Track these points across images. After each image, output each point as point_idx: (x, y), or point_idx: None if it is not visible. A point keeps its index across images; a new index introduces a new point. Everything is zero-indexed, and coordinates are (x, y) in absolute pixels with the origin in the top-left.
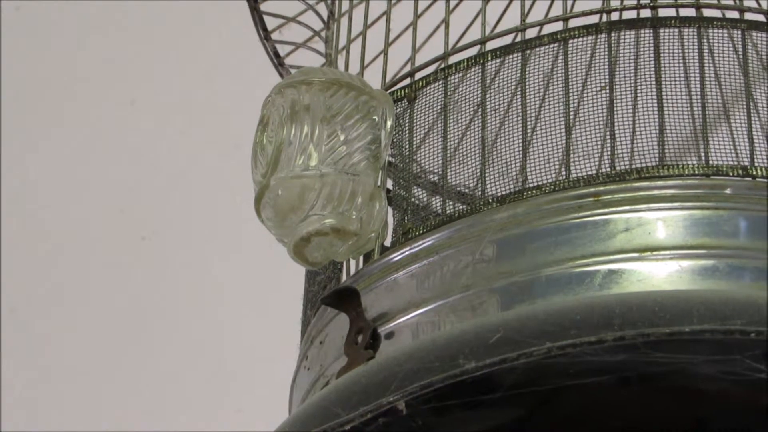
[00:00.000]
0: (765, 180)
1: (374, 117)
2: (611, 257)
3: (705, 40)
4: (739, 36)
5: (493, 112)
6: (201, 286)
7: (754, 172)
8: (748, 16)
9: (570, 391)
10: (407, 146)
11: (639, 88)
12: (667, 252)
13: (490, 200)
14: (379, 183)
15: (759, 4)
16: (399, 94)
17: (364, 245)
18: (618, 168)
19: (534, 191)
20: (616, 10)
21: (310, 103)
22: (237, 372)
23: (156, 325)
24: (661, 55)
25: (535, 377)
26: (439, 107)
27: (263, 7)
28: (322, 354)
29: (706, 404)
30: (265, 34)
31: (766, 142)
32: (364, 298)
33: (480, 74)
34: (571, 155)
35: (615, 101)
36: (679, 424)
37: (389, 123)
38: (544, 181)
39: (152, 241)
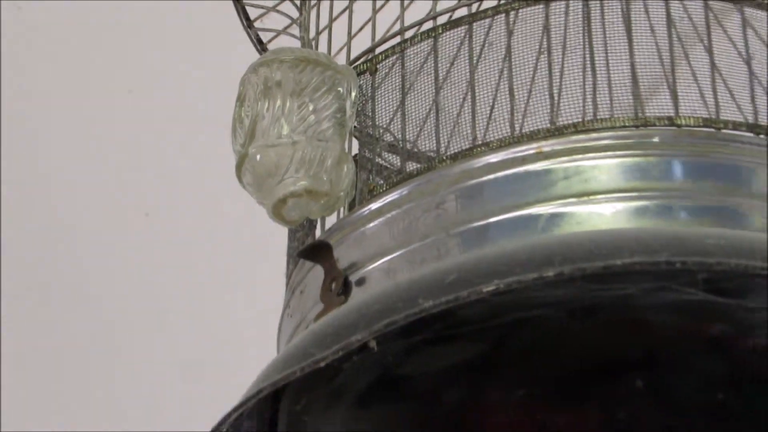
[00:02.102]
0: (690, 128)
1: (339, 89)
2: (553, 203)
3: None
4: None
5: (445, 80)
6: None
7: (679, 122)
8: None
9: (524, 328)
10: (370, 114)
11: (572, 52)
12: (603, 196)
13: (445, 158)
14: (345, 148)
15: None
16: (361, 68)
17: (334, 204)
18: (557, 123)
19: (483, 148)
20: None
21: (281, 79)
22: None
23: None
24: (592, 21)
25: (489, 313)
26: (397, 78)
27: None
28: (302, 302)
29: (652, 335)
30: (248, 23)
31: (691, 94)
32: (336, 251)
33: (433, 46)
34: (516, 115)
35: (554, 65)
36: (629, 355)
37: (353, 94)
38: (492, 139)
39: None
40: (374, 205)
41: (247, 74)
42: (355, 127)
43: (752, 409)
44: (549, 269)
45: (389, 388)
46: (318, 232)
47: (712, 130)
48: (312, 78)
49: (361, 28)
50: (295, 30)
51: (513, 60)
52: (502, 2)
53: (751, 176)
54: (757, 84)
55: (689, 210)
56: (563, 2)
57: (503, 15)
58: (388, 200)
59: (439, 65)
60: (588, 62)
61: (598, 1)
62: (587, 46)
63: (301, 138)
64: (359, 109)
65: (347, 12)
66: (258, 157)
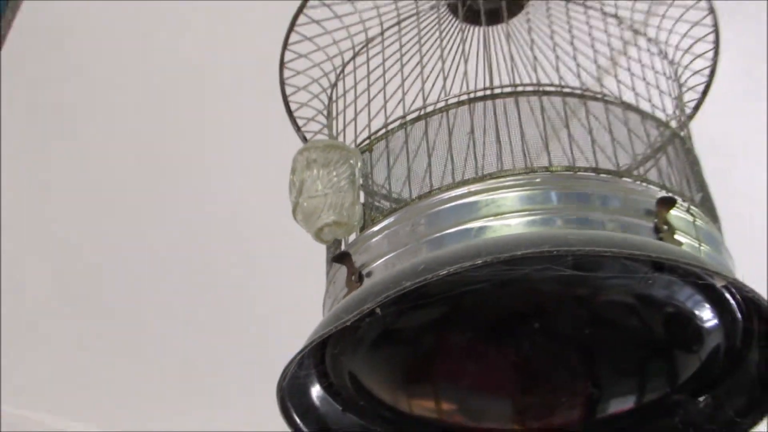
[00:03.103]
0: (558, 172)
1: (350, 161)
2: (479, 221)
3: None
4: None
5: (415, 153)
6: None
7: (552, 169)
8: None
9: (468, 296)
10: (370, 175)
11: (488, 132)
12: (509, 214)
13: (415, 198)
14: (355, 196)
15: None
16: (363, 148)
17: (351, 230)
18: (481, 173)
19: (437, 191)
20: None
21: (316, 157)
22: None
23: None
24: (497, 114)
25: (446, 288)
26: (384, 154)
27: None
28: (335, 288)
29: (543, 297)
30: (290, 114)
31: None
32: (354, 257)
33: (404, 134)
34: (456, 170)
35: (477, 141)
36: (530, 309)
37: (359, 164)
38: (443, 185)
39: None
40: (375, 228)
41: (296, 156)
42: (361, 184)
43: (604, 337)
44: (478, 259)
45: (390, 337)
46: (343, 246)
47: (571, 173)
48: (334, 156)
49: (364, 128)
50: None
51: (453, 139)
52: (445, 105)
53: (596, 199)
54: (597, 145)
55: (561, 220)
56: (481, 103)
57: (446, 112)
58: (383, 224)
59: (410, 145)
60: (497, 138)
61: (502, 100)
62: (497, 128)
63: (329, 191)
64: (364, 174)
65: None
66: (305, 204)
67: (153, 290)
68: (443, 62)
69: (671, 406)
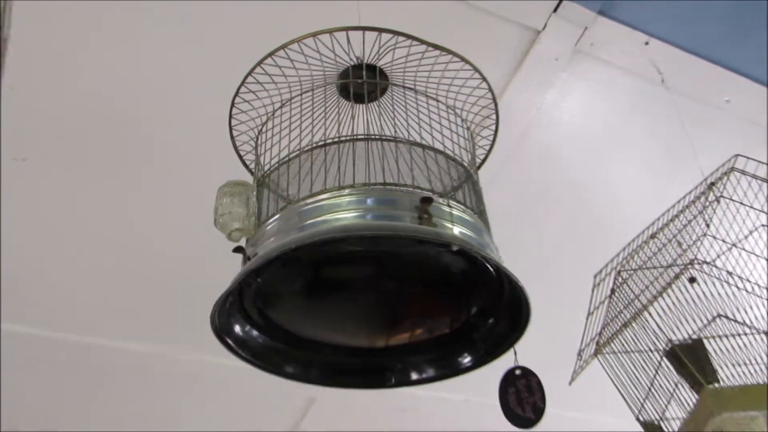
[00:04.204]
0: (373, 186)
1: (247, 192)
2: (325, 215)
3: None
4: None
5: (296, 177)
6: None
7: (369, 183)
8: None
9: (342, 258)
10: (277, 187)
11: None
12: (346, 210)
13: (292, 202)
14: (250, 212)
15: None
16: (259, 182)
17: (249, 233)
18: (326, 188)
19: (304, 198)
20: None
21: (227, 191)
22: None
23: None
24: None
25: (309, 256)
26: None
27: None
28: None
29: (372, 262)
30: (235, 148)
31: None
32: (248, 248)
33: (288, 167)
34: (315, 185)
35: (330, 168)
36: (382, 264)
37: (253, 193)
38: (310, 193)
39: None
40: (269, 221)
41: (219, 189)
42: (255, 203)
43: (422, 284)
44: (316, 238)
45: (288, 287)
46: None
47: (382, 186)
48: (238, 189)
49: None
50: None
51: (314, 167)
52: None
53: (398, 202)
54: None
55: (374, 216)
56: (349, 143)
57: (325, 147)
58: (273, 219)
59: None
60: (339, 166)
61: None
62: (339, 160)
63: (234, 209)
64: (272, 188)
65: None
66: (221, 219)
67: None
68: (325, 121)
69: (470, 328)
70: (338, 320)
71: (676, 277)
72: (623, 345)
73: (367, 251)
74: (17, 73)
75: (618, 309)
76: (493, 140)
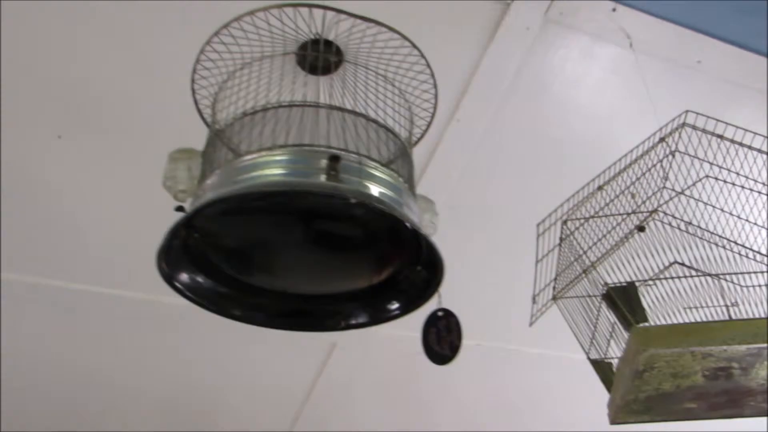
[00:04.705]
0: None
1: (191, 158)
2: (256, 171)
3: None
4: None
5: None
6: None
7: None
8: None
9: (259, 210)
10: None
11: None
12: (276, 168)
13: (233, 158)
14: (192, 176)
15: None
16: (211, 138)
17: (192, 194)
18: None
19: (244, 154)
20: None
21: (175, 157)
22: None
23: None
24: (305, 116)
25: (241, 204)
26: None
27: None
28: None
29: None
30: (195, 103)
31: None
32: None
33: (241, 124)
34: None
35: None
36: (315, 214)
37: (199, 159)
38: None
39: None
40: (214, 174)
41: (169, 155)
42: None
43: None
44: (245, 191)
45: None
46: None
47: (297, 147)
48: (184, 154)
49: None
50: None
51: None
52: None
53: (312, 161)
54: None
55: (290, 174)
56: (297, 108)
57: (276, 110)
58: (216, 173)
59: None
60: (274, 128)
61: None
62: (276, 121)
63: (179, 173)
64: (225, 142)
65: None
66: (168, 183)
67: None
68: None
69: (398, 278)
70: (277, 269)
71: (639, 227)
72: (575, 291)
73: (292, 205)
74: None
75: (569, 260)
76: (432, 116)
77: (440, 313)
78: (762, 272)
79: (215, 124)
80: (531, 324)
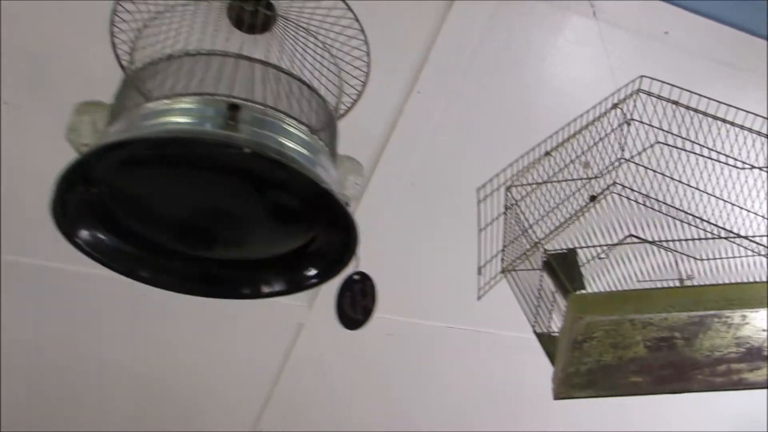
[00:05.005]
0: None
1: (94, 112)
2: (163, 117)
3: None
4: None
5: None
6: None
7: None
8: None
9: (162, 162)
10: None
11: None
12: (176, 117)
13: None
14: (98, 130)
15: None
16: (126, 81)
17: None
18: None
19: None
20: None
21: (79, 110)
22: None
23: None
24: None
25: (133, 153)
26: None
27: None
28: None
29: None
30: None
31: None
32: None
33: (156, 69)
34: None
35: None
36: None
37: (106, 113)
38: (156, 96)
39: None
40: (115, 123)
41: (75, 107)
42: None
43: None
44: (147, 136)
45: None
46: None
47: (199, 95)
48: (89, 109)
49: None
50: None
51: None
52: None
53: (212, 110)
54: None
55: (191, 123)
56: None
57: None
58: (119, 119)
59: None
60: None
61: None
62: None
63: (83, 127)
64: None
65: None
66: (71, 137)
67: None
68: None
69: (320, 240)
70: (188, 231)
71: (591, 197)
72: (524, 264)
73: (196, 159)
74: None
75: (516, 232)
76: (364, 84)
77: (356, 277)
78: (710, 238)
79: (130, 67)
80: (479, 297)
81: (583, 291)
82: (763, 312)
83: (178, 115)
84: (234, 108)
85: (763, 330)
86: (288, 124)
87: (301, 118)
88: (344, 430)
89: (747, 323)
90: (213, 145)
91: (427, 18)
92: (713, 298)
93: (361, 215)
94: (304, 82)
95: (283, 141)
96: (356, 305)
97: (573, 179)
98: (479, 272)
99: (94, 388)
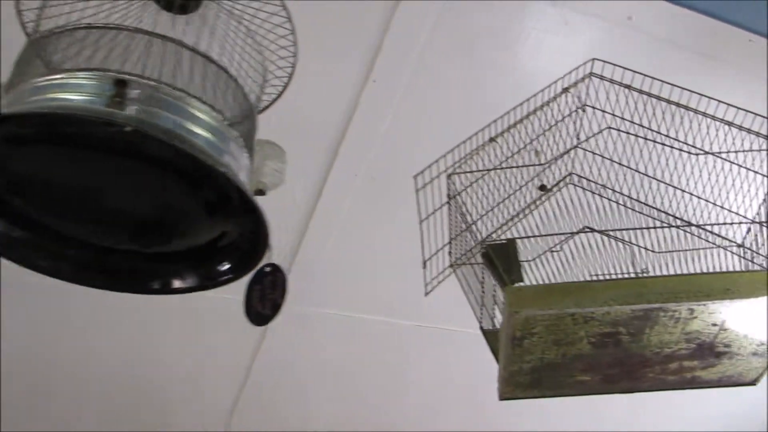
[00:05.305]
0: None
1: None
2: (52, 93)
3: None
4: None
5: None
6: None
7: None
8: None
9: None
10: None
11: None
12: (69, 93)
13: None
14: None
15: None
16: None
17: None
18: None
19: (51, 72)
20: None
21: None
22: None
23: None
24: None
25: (18, 131)
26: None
27: None
28: None
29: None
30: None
31: None
32: None
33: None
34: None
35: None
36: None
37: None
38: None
39: None
40: (6, 96)
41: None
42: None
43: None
44: (33, 111)
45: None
46: None
47: (108, 74)
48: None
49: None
50: None
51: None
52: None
53: (100, 87)
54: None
55: (84, 101)
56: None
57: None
58: (10, 93)
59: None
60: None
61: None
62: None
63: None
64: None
65: None
66: (12, 94)
67: None
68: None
69: (234, 233)
70: (88, 217)
71: (541, 186)
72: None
73: (88, 138)
74: None
75: (461, 226)
76: (290, 76)
77: (268, 269)
78: (657, 227)
79: (32, 35)
80: (426, 293)
81: (521, 284)
82: (711, 305)
83: (68, 91)
84: (121, 84)
85: (714, 324)
86: (195, 108)
87: (215, 104)
88: (314, 430)
89: (695, 317)
90: (91, 122)
91: (378, 5)
92: (657, 290)
93: (320, 210)
94: (221, 67)
95: (184, 123)
96: (265, 299)
97: (522, 165)
98: (424, 266)
99: (61, 395)
